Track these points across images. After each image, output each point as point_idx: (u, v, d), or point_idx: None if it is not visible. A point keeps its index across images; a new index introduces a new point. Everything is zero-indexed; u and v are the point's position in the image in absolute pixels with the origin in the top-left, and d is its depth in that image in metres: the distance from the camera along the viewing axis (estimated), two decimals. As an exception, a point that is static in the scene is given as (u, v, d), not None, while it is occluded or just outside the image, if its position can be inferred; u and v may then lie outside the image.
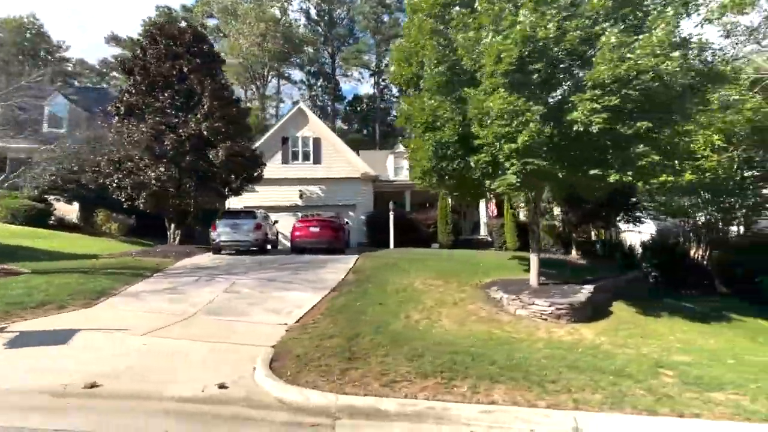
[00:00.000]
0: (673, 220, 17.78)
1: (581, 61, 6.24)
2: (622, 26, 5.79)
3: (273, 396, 3.97)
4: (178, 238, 14.66)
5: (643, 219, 15.71)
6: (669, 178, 14.67)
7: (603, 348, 6.35)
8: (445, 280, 9.94)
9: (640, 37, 5.62)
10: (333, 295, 8.82)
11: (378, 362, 4.93)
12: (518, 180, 6.91)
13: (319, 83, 54.04)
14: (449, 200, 18.48)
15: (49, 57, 51.07)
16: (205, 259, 12.48)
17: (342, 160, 19.96)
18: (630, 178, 6.57)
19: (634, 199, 14.87)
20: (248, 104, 48.73)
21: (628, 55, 5.58)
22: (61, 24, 67.50)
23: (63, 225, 18.08)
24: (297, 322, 7.08)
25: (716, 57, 10.33)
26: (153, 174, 12.26)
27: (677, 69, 5.47)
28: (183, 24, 14.95)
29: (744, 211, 15.33)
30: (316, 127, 20.38)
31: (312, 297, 8.56)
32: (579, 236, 16.14)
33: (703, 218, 15.77)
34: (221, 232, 12.84)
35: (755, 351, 6.49)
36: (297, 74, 52.78)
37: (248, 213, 13.75)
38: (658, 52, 5.48)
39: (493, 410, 3.89)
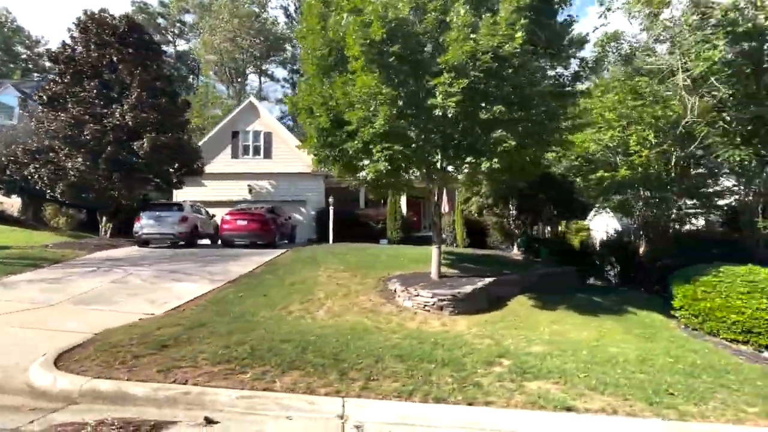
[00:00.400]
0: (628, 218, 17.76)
1: (438, 43, 6.06)
2: (468, 7, 5.61)
3: (25, 382, 3.76)
4: (109, 231, 14.37)
5: (579, 216, 15.62)
6: (606, 175, 14.58)
7: (462, 338, 6.18)
8: (354, 272, 9.75)
9: (483, 16, 5.47)
10: (226, 286, 8.62)
11: (187, 350, 4.73)
12: (388, 166, 6.73)
13: (301, 81, 53.61)
14: (398, 196, 18.32)
15: (29, 52, 50.49)
16: (125, 251, 12.21)
17: (293, 156, 19.65)
18: (497, 164, 6.39)
19: (574, 196, 14.74)
20: (227, 101, 48.49)
21: (472, 35, 5.43)
22: (59, 22, 67.25)
23: (2, 218, 17.70)
24: (166, 312, 6.89)
25: (633, 48, 10.28)
26: (70, 164, 11.98)
27: (517, 50, 5.31)
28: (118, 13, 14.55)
29: (679, 211, 15.28)
30: (267, 121, 20.13)
31: (202, 288, 8.37)
32: (521, 233, 15.99)
33: (645, 215, 15.70)
34: (144, 225, 12.56)
35: (619, 343, 6.36)
36: (281, 72, 52.37)
37: (175, 205, 13.47)
38: (501, 32, 5.33)
39: (255, 396, 3.71)
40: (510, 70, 5.53)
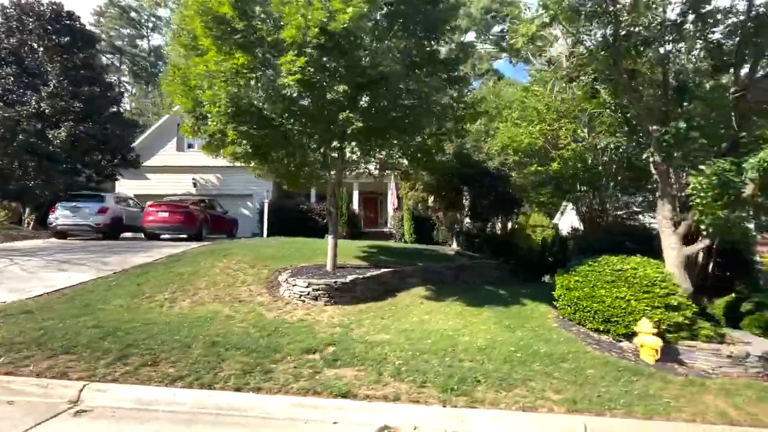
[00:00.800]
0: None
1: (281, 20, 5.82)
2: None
3: None
4: (32, 223, 13.96)
5: (515, 211, 15.51)
6: (539, 168, 14.39)
7: (311, 327, 5.98)
8: (257, 264, 9.45)
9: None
10: (109, 276, 8.31)
11: (-29, 334, 4.46)
12: (248, 149, 6.50)
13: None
14: (342, 191, 18.09)
15: None
16: (34, 242, 11.85)
17: (240, 149, 19.38)
18: (356, 149, 6.18)
19: (504, 190, 14.59)
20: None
21: (302, 11, 5.21)
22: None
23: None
24: (19, 300, 6.59)
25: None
26: (-24, 152, 11.63)
27: (346, 25, 5.09)
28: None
29: (627, 208, 15.20)
30: (214, 114, 19.82)
31: (82, 277, 8.07)
32: (460, 228, 15.84)
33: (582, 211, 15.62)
34: (59, 215, 12.18)
35: (478, 333, 6.19)
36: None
37: (96, 196, 13.05)
38: (332, 7, 5.12)
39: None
40: (359, 50, 5.32)
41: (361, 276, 7.89)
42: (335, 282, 7.41)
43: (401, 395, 4.00)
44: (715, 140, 6.75)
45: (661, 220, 7.07)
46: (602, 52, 5.89)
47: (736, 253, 12.27)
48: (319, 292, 7.30)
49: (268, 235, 16.72)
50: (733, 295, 8.71)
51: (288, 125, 6.66)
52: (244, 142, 6.61)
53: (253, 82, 6.04)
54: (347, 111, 5.74)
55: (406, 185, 15.57)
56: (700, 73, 6.80)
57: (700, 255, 11.47)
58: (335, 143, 6.51)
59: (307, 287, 7.34)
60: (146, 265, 9.33)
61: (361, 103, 6.02)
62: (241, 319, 6.15)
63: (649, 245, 11.80)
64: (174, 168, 19.03)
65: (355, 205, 20.99)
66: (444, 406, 3.90)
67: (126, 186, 18.52)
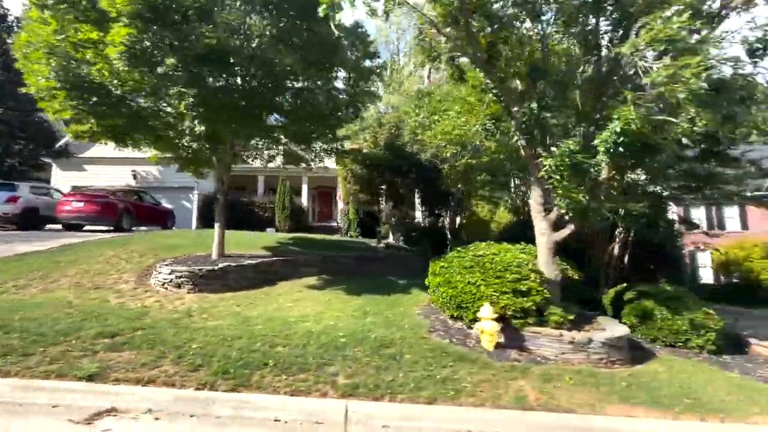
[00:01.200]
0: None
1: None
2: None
3: None
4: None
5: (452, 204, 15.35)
6: (471, 161, 14.17)
7: (145, 314, 5.72)
8: (146, 254, 9.11)
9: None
10: (-19, 264, 7.96)
11: None
12: (95, 128, 6.21)
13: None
14: (285, 185, 17.84)
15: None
16: (-65, 232, 11.40)
17: (183, 141, 18.97)
18: (202, 127, 5.91)
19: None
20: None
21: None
22: None
23: None
24: None
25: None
26: None
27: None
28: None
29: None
30: (156, 104, 19.40)
31: (-53, 265, 7.68)
32: (396, 222, 15.62)
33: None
34: (-36, 205, 11.78)
35: (328, 319, 6.00)
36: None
37: (4, 185, 12.62)
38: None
39: None
40: (196, 23, 5.08)
41: (234, 264, 7.63)
42: (200, 269, 7.16)
43: (159, 378, 3.76)
44: (583, 123, 6.60)
45: (533, 206, 6.88)
46: (449, 29, 5.71)
47: (659, 247, 12.23)
48: (182, 279, 7.03)
49: (204, 227, 16.39)
50: (624, 285, 8.59)
51: (138, 103, 6.38)
52: (93, 120, 6.31)
53: (89, 56, 5.73)
54: (178, 86, 5.48)
55: (341, 177, 15.32)
56: (572, 56, 6.64)
57: (616, 247, 11.45)
58: (187, 123, 6.23)
59: (170, 274, 7.07)
60: (30, 253, 8.98)
61: (202, 78, 5.73)
62: (77, 305, 5.86)
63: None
64: (113, 159, 18.51)
65: (304, 199, 20.73)
66: (196, 390, 3.66)
67: (63, 177, 18.05)
